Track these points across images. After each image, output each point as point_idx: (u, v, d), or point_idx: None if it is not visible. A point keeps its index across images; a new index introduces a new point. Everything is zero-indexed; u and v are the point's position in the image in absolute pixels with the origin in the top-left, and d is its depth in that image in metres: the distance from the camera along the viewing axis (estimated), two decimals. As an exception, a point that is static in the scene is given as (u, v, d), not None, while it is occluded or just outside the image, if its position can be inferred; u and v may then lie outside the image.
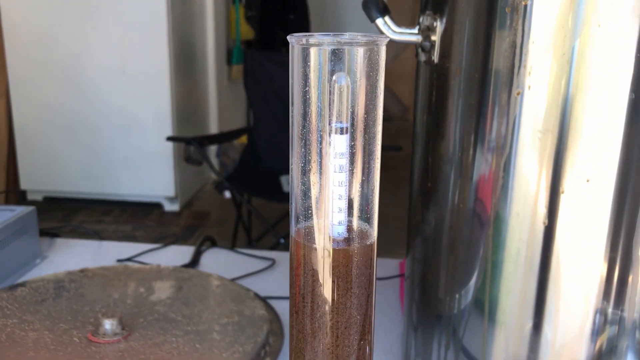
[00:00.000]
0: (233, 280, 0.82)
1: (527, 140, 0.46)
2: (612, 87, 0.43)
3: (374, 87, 0.26)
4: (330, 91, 0.26)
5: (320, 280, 0.27)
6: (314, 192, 0.27)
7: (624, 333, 0.49)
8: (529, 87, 0.45)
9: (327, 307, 0.28)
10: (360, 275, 0.28)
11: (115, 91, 2.65)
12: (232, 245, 1.98)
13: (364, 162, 0.27)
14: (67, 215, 2.69)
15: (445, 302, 0.57)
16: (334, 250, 0.27)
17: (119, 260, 0.92)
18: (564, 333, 0.49)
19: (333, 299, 0.27)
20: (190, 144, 2.09)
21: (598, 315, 0.49)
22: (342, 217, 0.28)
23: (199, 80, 3.06)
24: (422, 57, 0.55)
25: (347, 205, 0.28)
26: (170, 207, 2.83)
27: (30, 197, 2.83)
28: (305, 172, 0.27)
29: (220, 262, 0.94)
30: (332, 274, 0.27)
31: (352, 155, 0.27)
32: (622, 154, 0.44)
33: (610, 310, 0.49)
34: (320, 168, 0.27)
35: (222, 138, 2.44)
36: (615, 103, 0.43)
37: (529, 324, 0.50)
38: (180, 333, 0.65)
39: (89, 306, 0.70)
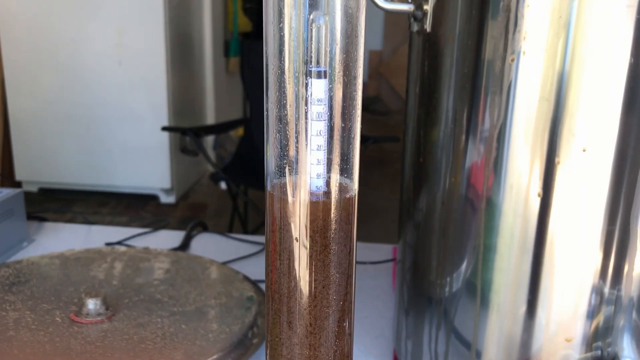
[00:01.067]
0: (224, 264, 0.80)
1: (521, 109, 0.44)
2: (610, 51, 0.41)
3: (355, 27, 0.25)
4: (307, 31, 0.24)
5: (297, 236, 0.26)
6: (290, 142, 0.26)
7: (620, 311, 0.47)
8: (524, 53, 0.43)
9: (303, 265, 0.26)
10: (340, 230, 0.26)
11: (112, 82, 2.63)
12: (228, 236, 1.96)
13: (344, 109, 0.25)
14: (62, 206, 2.68)
15: (437, 283, 0.55)
16: (311, 202, 0.25)
17: (107, 244, 0.90)
18: (559, 311, 0.48)
19: (310, 256, 0.26)
20: (186, 134, 2.07)
21: (594, 294, 0.47)
22: (321, 169, 0.26)
23: (196, 71, 3.04)
24: (415, 26, 0.53)
25: (326, 156, 0.26)
26: (167, 199, 2.81)
27: (25, 188, 2.81)
28: (280, 120, 0.25)
29: (210, 247, 0.93)
30: (310, 228, 0.25)
31: (331, 101, 0.25)
32: (620, 122, 0.42)
33: (606, 289, 0.47)
34: (297, 115, 0.25)
35: (218, 129, 2.42)
36: (614, 68, 0.41)
37: (522, 304, 0.49)
38: (166, 314, 0.63)
39: (73, 287, 0.69)
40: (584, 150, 0.43)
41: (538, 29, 0.42)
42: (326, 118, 0.25)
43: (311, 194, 0.26)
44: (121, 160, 2.73)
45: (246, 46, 2.40)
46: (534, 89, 0.43)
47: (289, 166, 0.26)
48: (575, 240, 0.45)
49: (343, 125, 0.25)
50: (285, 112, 0.25)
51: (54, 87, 2.65)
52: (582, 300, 0.47)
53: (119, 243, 0.91)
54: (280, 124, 0.25)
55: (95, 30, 2.56)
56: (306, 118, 0.25)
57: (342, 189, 0.26)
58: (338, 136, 0.26)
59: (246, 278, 0.74)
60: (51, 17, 2.57)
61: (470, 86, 0.47)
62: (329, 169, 0.26)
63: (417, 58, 0.54)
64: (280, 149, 0.26)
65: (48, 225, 0.98)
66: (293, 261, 0.26)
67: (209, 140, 2.90)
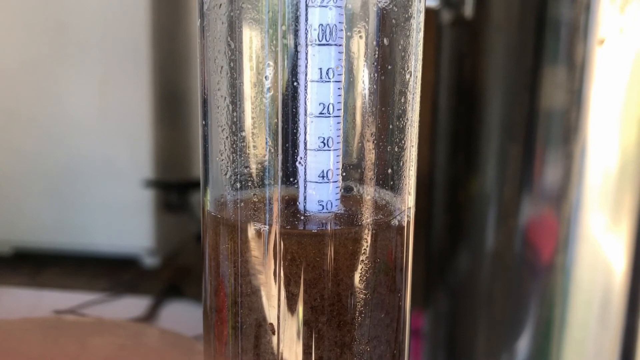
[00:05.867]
0: (198, 338, 0.64)
1: (612, 107, 0.30)
2: None
3: None
4: None
5: (273, 307, 0.11)
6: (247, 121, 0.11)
7: None
8: (621, 30, 0.29)
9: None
10: (372, 296, 0.11)
11: (93, 136, 2.49)
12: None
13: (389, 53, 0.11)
14: (36, 268, 2.50)
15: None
16: (307, 236, 0.10)
17: (56, 312, 0.74)
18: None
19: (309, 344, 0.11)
20: (170, 189, 1.92)
21: None
22: (329, 170, 0.11)
23: (184, 125, 2.92)
24: (447, 15, 0.39)
25: (341, 146, 0.11)
26: (150, 260, 2.64)
27: (-1, 248, 2.64)
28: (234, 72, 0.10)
29: (184, 317, 0.76)
30: (305, 292, 0.10)
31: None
32: None
33: None
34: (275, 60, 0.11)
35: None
36: None
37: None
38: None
39: (-7, 372, 0.52)
40: None
41: (643, -6, 0.29)
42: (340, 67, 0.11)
43: (310, 219, 0.11)
44: (101, 219, 2.56)
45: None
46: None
47: (256, 166, 0.11)
48: None
49: (382, 80, 0.11)
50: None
51: (31, 142, 2.50)
52: None
53: (71, 312, 0.75)
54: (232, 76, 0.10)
55: (76, 82, 2.44)
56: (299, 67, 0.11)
57: (379, 207, 0.12)
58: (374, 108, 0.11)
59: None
60: (28, 68, 2.46)
61: (529, 86, 0.33)
62: (346, 173, 0.11)
63: (450, 59, 0.40)
64: (236, 138, 0.11)
65: (-10, 289, 0.82)
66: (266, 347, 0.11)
67: (197, 197, 2.76)
